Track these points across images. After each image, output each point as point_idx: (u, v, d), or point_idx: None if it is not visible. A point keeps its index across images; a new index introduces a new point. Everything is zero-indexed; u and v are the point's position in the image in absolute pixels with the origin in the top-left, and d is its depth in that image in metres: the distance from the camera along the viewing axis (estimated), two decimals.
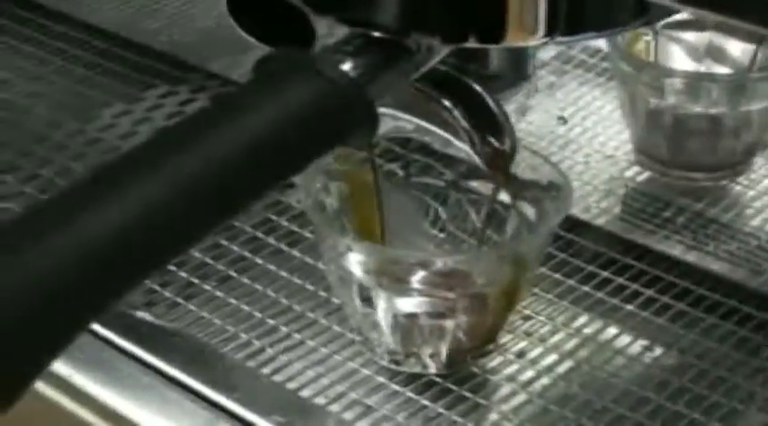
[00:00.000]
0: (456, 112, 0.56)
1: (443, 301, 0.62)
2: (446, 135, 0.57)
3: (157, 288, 0.72)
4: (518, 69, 0.77)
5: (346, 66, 0.51)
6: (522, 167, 0.64)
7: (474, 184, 0.67)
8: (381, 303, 0.63)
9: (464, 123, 0.57)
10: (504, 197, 0.66)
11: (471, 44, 0.53)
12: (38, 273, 0.42)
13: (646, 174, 0.80)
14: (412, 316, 0.63)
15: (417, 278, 0.61)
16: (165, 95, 0.89)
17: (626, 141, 0.82)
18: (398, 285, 0.61)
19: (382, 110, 0.57)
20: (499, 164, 0.58)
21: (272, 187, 0.49)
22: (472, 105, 0.57)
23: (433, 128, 0.57)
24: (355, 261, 0.61)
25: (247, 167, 0.47)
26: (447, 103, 0.56)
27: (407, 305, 0.63)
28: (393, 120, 0.68)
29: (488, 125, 0.57)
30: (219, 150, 0.46)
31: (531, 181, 0.65)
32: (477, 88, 0.57)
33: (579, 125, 0.84)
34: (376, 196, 0.65)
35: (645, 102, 0.76)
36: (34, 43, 0.95)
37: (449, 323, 0.63)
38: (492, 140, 0.57)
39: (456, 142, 0.57)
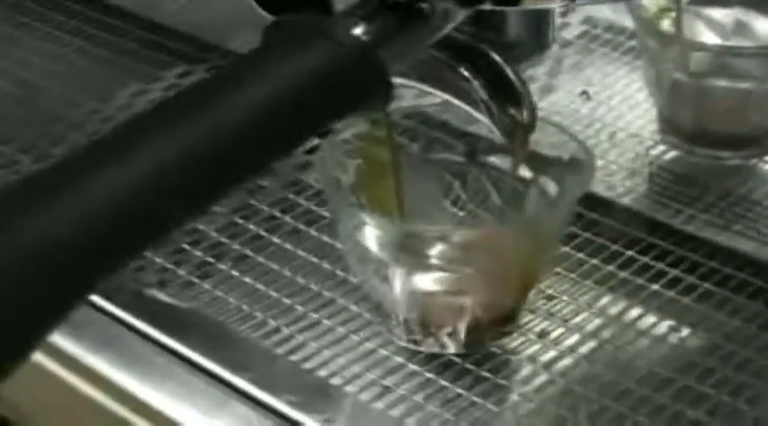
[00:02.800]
0: (474, 82, 0.55)
1: (462, 278, 0.60)
2: (464, 106, 0.55)
3: (172, 267, 0.71)
4: (538, 38, 0.75)
5: (358, 30, 0.49)
6: (545, 142, 0.63)
7: (493, 160, 0.65)
8: (398, 280, 0.61)
9: (482, 93, 0.55)
10: (524, 173, 0.64)
11: (488, 6, 0.51)
12: (37, 240, 0.41)
13: (672, 153, 0.78)
14: (430, 294, 0.62)
15: (435, 253, 0.60)
16: (182, 75, 0.87)
17: (652, 120, 0.80)
18: (416, 260, 0.60)
19: (398, 80, 0.55)
20: (518, 136, 0.57)
21: (282, 154, 0.48)
22: (491, 75, 0.55)
23: (450, 98, 0.56)
24: (372, 237, 0.60)
25: (255, 134, 0.45)
26: (465, 73, 0.55)
27: (425, 282, 0.61)
28: (414, 99, 0.67)
29: (507, 95, 0.56)
30: (227, 117, 0.45)
31: (553, 158, 0.63)
32: (496, 57, 0.56)
33: (605, 104, 0.82)
34: (394, 174, 0.63)
35: (670, 78, 0.74)
36: (53, 23, 0.94)
37: (467, 301, 0.61)
38: (511, 111, 0.56)
39: (474, 113, 0.55)
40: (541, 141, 0.63)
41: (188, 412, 0.62)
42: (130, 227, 0.43)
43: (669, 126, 0.77)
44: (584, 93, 0.80)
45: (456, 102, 0.55)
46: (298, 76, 0.46)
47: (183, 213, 0.45)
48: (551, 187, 0.62)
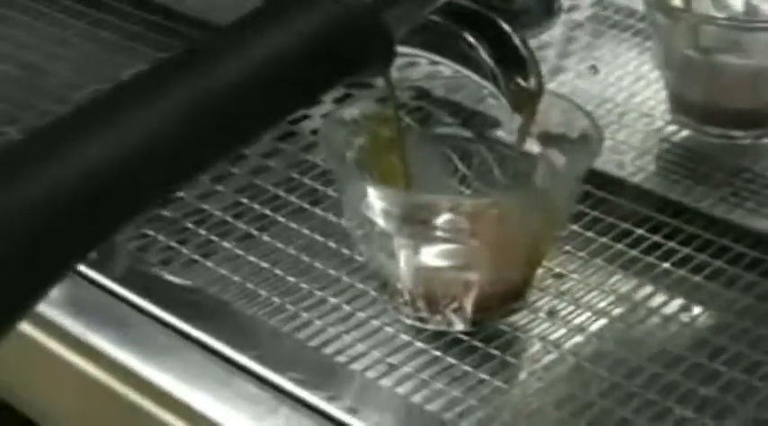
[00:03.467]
0: (480, 49, 0.54)
1: (468, 251, 0.59)
2: (470, 73, 0.54)
3: (175, 245, 0.70)
4: (545, 4, 0.74)
5: None
6: (554, 116, 0.62)
7: (500, 136, 0.64)
8: (404, 254, 0.60)
9: (489, 61, 0.54)
10: (533, 148, 0.63)
11: None
12: (29, 203, 0.40)
13: (683, 132, 0.77)
14: (436, 269, 0.61)
15: (441, 225, 0.58)
16: None
17: (662, 100, 0.79)
18: (421, 232, 0.59)
19: (404, 49, 0.54)
20: (526, 105, 0.56)
21: (281, 118, 0.47)
22: (497, 42, 0.54)
23: (456, 66, 0.54)
24: (377, 209, 0.59)
25: (253, 96, 0.44)
26: (471, 40, 0.54)
27: (431, 256, 0.60)
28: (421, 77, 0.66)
29: (514, 63, 0.55)
30: (224, 79, 0.44)
31: (561, 132, 0.62)
32: (503, 24, 0.55)
33: (615, 85, 0.81)
34: (399, 150, 0.62)
35: (681, 55, 0.73)
36: (58, 7, 0.93)
37: (474, 276, 0.60)
38: (518, 79, 0.55)
39: (480, 81, 0.54)
40: (550, 115, 0.62)
41: (192, 390, 0.61)
42: (120, 192, 0.42)
43: (679, 104, 0.76)
44: (593, 67, 0.79)
45: (462, 69, 0.54)
46: (299, 38, 0.45)
47: (177, 176, 0.44)
48: (560, 161, 0.61)
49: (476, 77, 0.54)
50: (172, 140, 0.43)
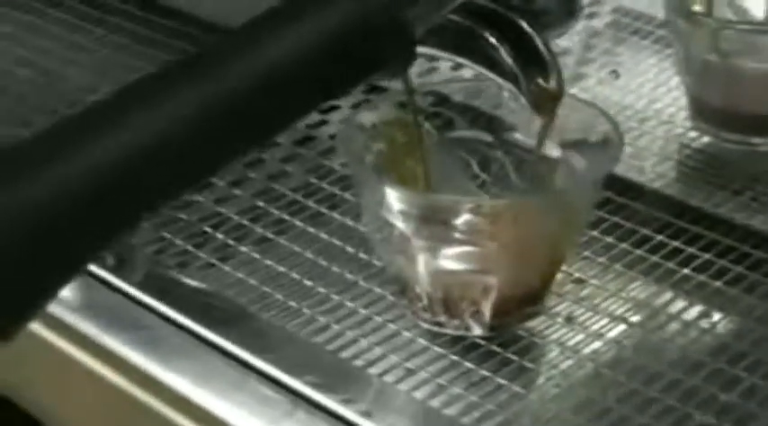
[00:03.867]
0: (501, 50, 0.53)
1: (486, 254, 0.59)
2: (490, 74, 0.54)
3: (192, 249, 0.69)
4: (566, 5, 0.73)
5: None
6: (574, 119, 0.61)
7: (520, 138, 0.64)
8: (422, 258, 0.59)
9: (509, 61, 0.53)
10: (552, 152, 0.63)
11: None
12: (33, 203, 0.39)
13: (703, 138, 0.76)
14: (454, 273, 0.60)
15: (459, 226, 0.58)
16: None
17: (683, 107, 0.78)
18: (439, 233, 0.58)
19: (425, 49, 0.54)
20: (546, 106, 0.55)
21: (296, 119, 0.46)
22: (518, 43, 0.54)
23: (477, 67, 0.54)
24: (397, 211, 0.58)
25: (268, 97, 0.44)
26: (492, 40, 0.53)
27: (449, 259, 0.59)
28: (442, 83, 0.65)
29: (535, 63, 0.54)
30: (236, 80, 0.43)
31: (582, 138, 0.62)
32: (524, 25, 0.54)
33: (635, 91, 0.81)
34: (418, 153, 0.62)
35: (701, 59, 0.73)
36: (75, 13, 0.93)
37: (492, 280, 0.60)
38: (538, 79, 0.54)
39: (500, 81, 0.54)
40: (570, 119, 0.61)
41: (207, 393, 0.61)
42: (128, 193, 0.42)
43: (700, 109, 0.75)
44: (614, 71, 0.79)
45: (482, 70, 0.54)
46: (320, 33, 0.45)
47: (190, 177, 0.44)
48: (580, 165, 0.61)
49: (496, 78, 0.54)
50: (181, 142, 0.42)
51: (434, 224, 0.58)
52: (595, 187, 0.60)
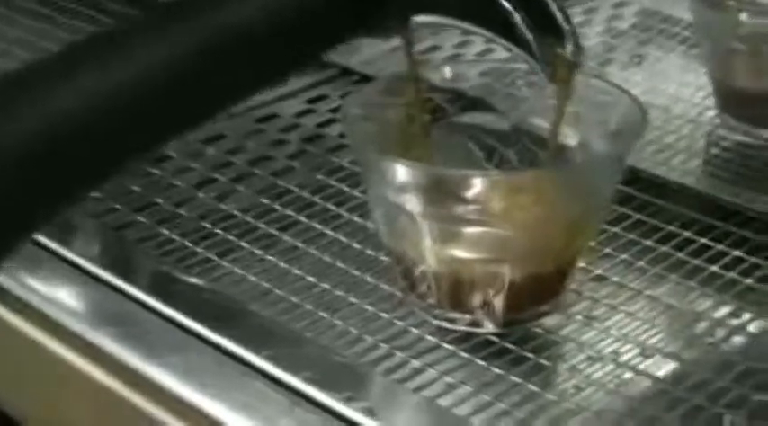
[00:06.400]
0: (515, 16, 0.50)
1: (498, 239, 0.54)
2: (504, 42, 0.50)
3: (191, 245, 0.66)
4: None
5: None
6: (594, 100, 0.57)
7: (535, 123, 0.60)
8: (430, 243, 0.55)
9: (525, 29, 0.50)
10: (571, 140, 0.59)
11: None
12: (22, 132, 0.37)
13: (730, 133, 0.72)
14: (464, 262, 0.56)
15: (470, 206, 0.54)
16: None
17: (710, 107, 0.74)
18: (449, 214, 0.54)
19: (437, 19, 0.50)
20: (563, 75, 0.51)
21: (269, 81, 0.43)
22: (533, 8, 0.50)
23: (490, 34, 0.50)
24: (403, 189, 0.54)
25: (235, 55, 0.41)
26: (505, 5, 0.49)
27: (459, 246, 0.55)
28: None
29: (551, 32, 0.50)
30: (205, 33, 0.40)
31: (603, 119, 0.58)
32: None
33: (659, 84, 0.77)
34: (424, 136, 0.58)
35: (725, 47, 0.69)
36: (69, 14, 0.90)
37: (505, 269, 0.55)
38: (556, 49, 0.50)
39: (515, 49, 0.50)
40: (589, 99, 0.57)
41: (200, 391, 0.57)
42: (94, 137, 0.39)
43: (726, 101, 0.72)
44: (638, 56, 0.75)
45: (496, 37, 0.50)
46: None
47: (167, 125, 0.41)
48: (600, 147, 0.57)
49: (509, 45, 0.50)
50: (159, 94, 0.39)
51: (443, 202, 0.54)
52: (617, 165, 0.56)
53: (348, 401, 0.55)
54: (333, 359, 0.58)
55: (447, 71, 0.63)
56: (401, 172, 0.54)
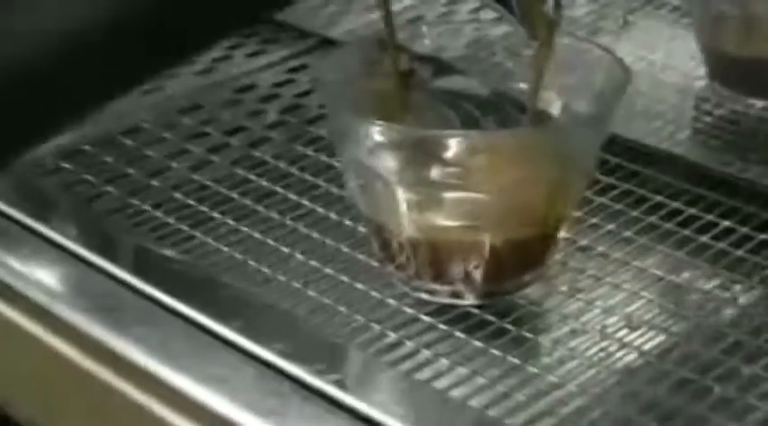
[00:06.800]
0: None
1: (479, 204, 0.52)
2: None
3: (162, 216, 0.64)
4: None
5: None
6: (577, 58, 0.55)
7: (516, 86, 0.57)
8: (406, 209, 0.53)
9: None
10: (554, 107, 0.57)
11: None
12: None
13: (721, 101, 0.70)
14: (442, 229, 0.54)
15: (449, 169, 0.51)
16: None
17: (700, 76, 0.72)
18: (426, 177, 0.51)
19: None
20: (543, 33, 0.49)
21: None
22: None
23: None
24: (379, 152, 0.52)
25: None
26: None
27: (437, 212, 0.53)
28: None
29: None
30: None
31: (583, 82, 0.55)
32: None
33: (649, 56, 0.75)
34: (401, 100, 0.55)
35: (716, 11, 0.67)
36: None
37: (486, 237, 0.53)
38: (535, 4, 0.48)
39: (492, 5, 0.48)
40: (572, 60, 0.55)
41: (167, 363, 0.55)
42: None
43: (715, 68, 0.70)
44: (624, 18, 0.73)
45: None
46: None
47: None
48: (584, 108, 0.55)
49: (489, 1, 0.48)
50: None
51: (418, 166, 0.51)
52: (600, 125, 0.53)
53: (320, 373, 0.52)
54: (306, 332, 0.56)
55: (425, 37, 0.60)
56: (374, 133, 0.51)
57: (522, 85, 0.57)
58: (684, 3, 0.76)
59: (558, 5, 0.49)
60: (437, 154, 0.51)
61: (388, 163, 0.52)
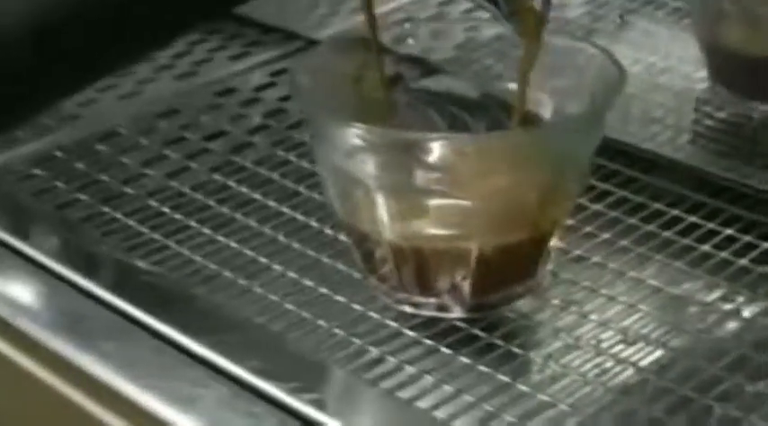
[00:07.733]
0: None
1: (465, 211, 0.49)
2: None
3: (135, 224, 0.61)
4: None
5: None
6: (569, 59, 0.52)
7: (505, 87, 0.54)
8: (388, 219, 0.50)
9: None
10: (545, 109, 0.54)
11: None
12: None
13: (723, 105, 0.67)
14: (427, 239, 0.51)
15: (432, 174, 0.48)
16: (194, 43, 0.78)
17: (700, 79, 0.69)
18: (409, 183, 0.48)
19: None
20: (531, 29, 0.46)
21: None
22: None
23: None
24: (358, 156, 0.48)
25: None
26: None
27: (420, 220, 0.50)
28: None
29: None
30: None
31: (575, 83, 0.52)
32: None
33: (648, 59, 0.72)
34: (384, 101, 0.52)
35: (716, 11, 0.64)
36: None
37: (473, 246, 0.50)
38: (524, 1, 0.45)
39: (483, 3, 0.45)
40: (563, 60, 0.52)
41: (133, 380, 0.51)
42: None
43: (717, 69, 0.67)
44: (621, 16, 0.70)
45: None
46: None
47: None
48: (576, 109, 0.51)
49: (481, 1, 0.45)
50: None
51: (402, 170, 0.48)
52: (592, 126, 0.50)
53: (296, 392, 0.49)
54: (283, 348, 0.53)
55: (413, 38, 0.57)
56: (352, 135, 0.48)
57: (513, 87, 0.54)
58: (684, 3, 0.74)
59: (547, 1, 0.46)
60: (420, 157, 0.48)
61: (368, 167, 0.49)
